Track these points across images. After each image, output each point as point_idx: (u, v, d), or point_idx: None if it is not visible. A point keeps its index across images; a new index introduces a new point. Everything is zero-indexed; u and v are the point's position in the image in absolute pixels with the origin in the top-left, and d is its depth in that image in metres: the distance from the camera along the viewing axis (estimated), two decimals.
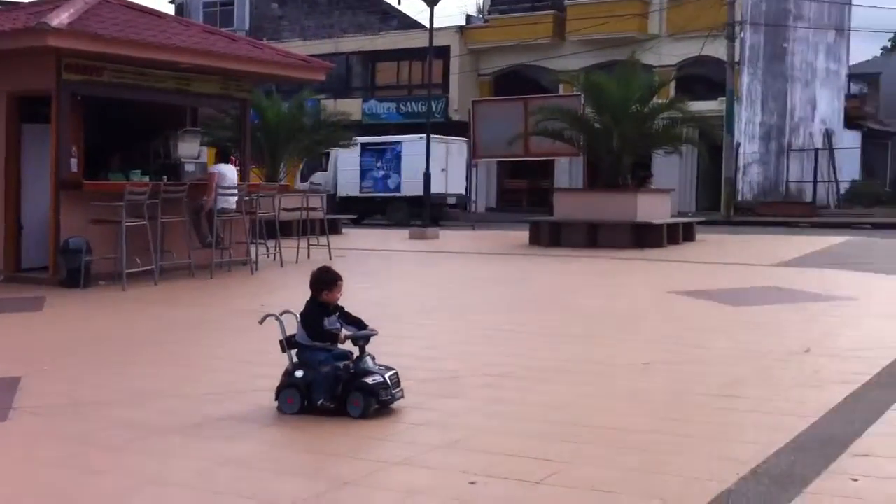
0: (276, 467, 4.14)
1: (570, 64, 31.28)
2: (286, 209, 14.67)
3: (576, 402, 5.36)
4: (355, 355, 5.08)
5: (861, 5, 43.58)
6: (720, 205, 30.61)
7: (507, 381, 5.91)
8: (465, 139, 31.87)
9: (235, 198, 12.45)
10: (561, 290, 11.10)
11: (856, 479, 3.92)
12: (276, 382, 5.13)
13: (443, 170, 27.62)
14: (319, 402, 4.95)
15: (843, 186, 36.95)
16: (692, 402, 5.33)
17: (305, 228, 14.60)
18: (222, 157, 12.91)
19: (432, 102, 29.38)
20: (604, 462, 4.21)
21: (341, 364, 5.01)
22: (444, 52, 34.91)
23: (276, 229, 13.47)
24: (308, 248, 14.42)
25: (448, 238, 19.84)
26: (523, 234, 18.65)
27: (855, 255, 15.55)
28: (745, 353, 6.76)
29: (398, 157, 28.49)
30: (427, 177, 23.09)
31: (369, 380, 4.92)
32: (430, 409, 5.18)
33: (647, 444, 4.48)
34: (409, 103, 36.35)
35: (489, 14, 37.11)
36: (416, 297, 10.44)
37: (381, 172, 28.98)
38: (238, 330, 8.04)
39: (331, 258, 14.07)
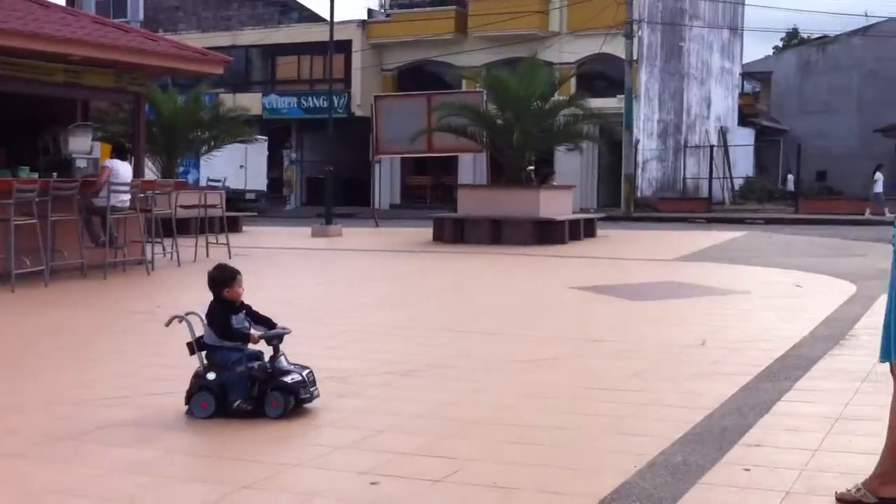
0: (173, 473, 4.02)
1: (472, 60, 31.44)
2: (183, 207, 14.34)
3: (477, 398, 5.36)
4: (267, 355, 4.98)
5: (754, 5, 45.03)
6: (620, 201, 31.19)
7: (408, 379, 5.88)
8: (265, 138, 31.86)
9: (128, 195, 12.09)
10: (463, 287, 11.14)
11: (748, 469, 4.01)
12: (176, 386, 4.98)
13: (241, 166, 28.25)
14: (236, 403, 4.82)
15: (738, 183, 38.07)
16: (592, 396, 5.39)
17: (204, 226, 14.28)
18: (118, 153, 12.53)
19: (334, 97, 29.15)
20: (504, 458, 4.21)
21: (256, 364, 4.91)
22: (345, 47, 34.65)
23: (173, 228, 13.15)
24: (207, 247, 14.14)
25: (351, 235, 19.72)
26: (427, 231, 18.67)
27: (749, 250, 16.04)
28: (643, 347, 6.88)
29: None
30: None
31: (288, 379, 4.83)
32: (331, 409, 5.11)
33: (546, 439, 4.51)
34: (310, 98, 35.98)
35: (391, 9, 37.01)
36: (317, 296, 10.33)
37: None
38: (134, 332, 7.82)
39: (230, 257, 13.83)
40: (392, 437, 4.56)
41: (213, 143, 21.06)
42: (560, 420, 4.84)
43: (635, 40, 31.18)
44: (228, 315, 4.97)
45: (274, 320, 5.12)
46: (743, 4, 41.92)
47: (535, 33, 32.54)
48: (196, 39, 31.25)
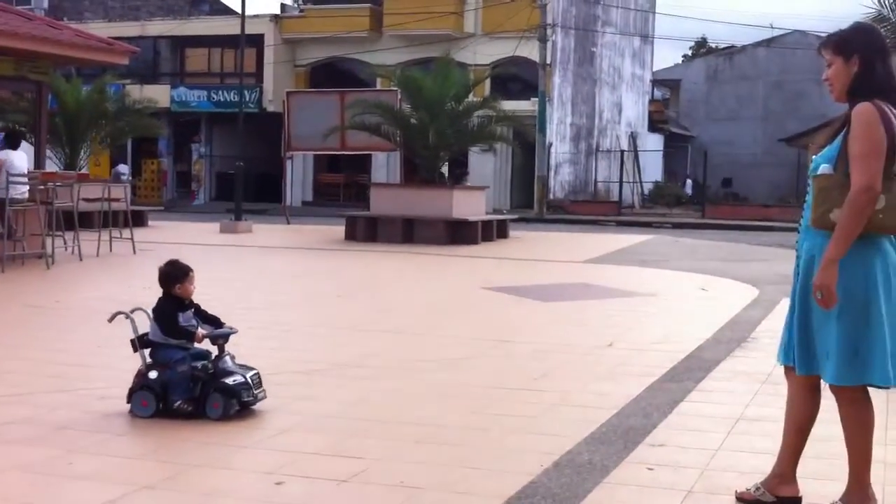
0: (69, 472, 3.89)
1: (387, 59, 31.36)
2: (86, 200, 13.92)
3: (385, 398, 5.32)
4: (214, 355, 4.86)
5: (665, 14, 46.01)
6: (533, 202, 31.51)
7: (316, 378, 5.81)
8: None
9: (26, 187, 11.67)
10: (373, 286, 11.08)
11: (651, 469, 4.06)
12: (75, 383, 4.82)
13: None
14: (176, 403, 4.68)
15: (647, 187, 38.84)
16: (501, 396, 5.40)
17: (108, 220, 13.89)
18: (11, 142, 12.08)
19: (245, 92, 28.72)
20: (411, 458, 4.19)
21: (199, 364, 4.77)
22: (257, 41, 34.19)
23: (75, 221, 12.75)
24: (110, 242, 13.76)
25: (261, 232, 19.45)
26: (339, 229, 18.54)
27: (656, 253, 16.35)
28: (552, 348, 6.93)
29: None
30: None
31: (230, 380, 4.69)
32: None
33: (455, 438, 4.50)
34: (221, 92, 35.38)
35: (305, 4, 36.66)
36: (224, 293, 10.14)
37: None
38: (34, 327, 7.55)
39: (135, 252, 13.53)
40: (298, 436, 4.49)
41: (119, 135, 20.54)
42: (468, 420, 4.84)
43: (549, 44, 31.54)
44: (176, 312, 4.86)
45: (222, 319, 5.01)
46: (653, 13, 42.81)
47: (449, 34, 32.64)
48: (103, 29, 30.47)
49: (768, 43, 44.88)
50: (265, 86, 35.14)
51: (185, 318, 4.88)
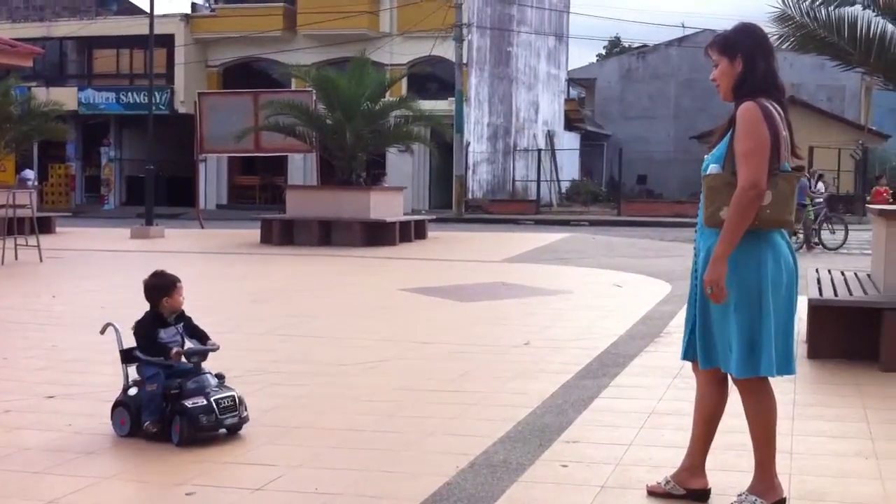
0: None
1: (301, 59, 31.06)
2: None
3: (300, 403, 5.25)
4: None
5: (579, 13, 46.59)
6: (452, 202, 31.58)
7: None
8: None
9: None
10: (289, 290, 10.95)
11: (566, 466, 4.09)
12: None
13: None
14: (145, 424, 4.43)
15: (564, 185, 39.27)
16: (418, 398, 5.38)
17: (12, 227, 13.45)
18: None
19: (156, 93, 28.15)
20: (328, 464, 4.14)
21: (176, 382, 4.46)
22: (168, 41, 33.56)
23: None
24: (15, 249, 13.33)
25: (174, 237, 19.09)
26: (255, 233, 18.31)
27: (573, 251, 16.54)
28: (470, 348, 6.94)
29: None
30: None
31: (189, 402, 4.35)
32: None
33: (371, 443, 4.46)
34: (130, 93, 34.61)
35: (216, 3, 36.11)
36: (135, 300, 9.90)
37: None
38: None
39: (42, 260, 13.14)
40: (211, 445, 4.40)
41: (24, 139, 19.94)
42: (385, 423, 4.81)
43: (465, 44, 31.65)
44: (155, 328, 4.63)
45: (208, 334, 4.75)
46: (568, 12, 43.29)
47: (364, 34, 32.50)
48: (6, 31, 29.59)
49: (679, 42, 45.81)
50: (176, 87, 34.49)
51: (169, 334, 4.63)
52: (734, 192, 3.33)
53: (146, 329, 4.63)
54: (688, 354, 3.64)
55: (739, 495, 3.51)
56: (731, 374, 3.50)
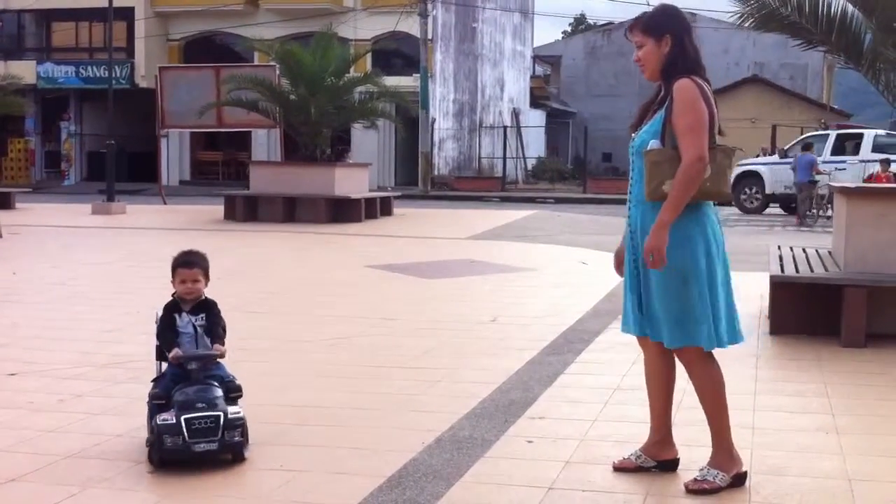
0: None
1: (264, 33, 30.64)
2: None
3: (264, 380, 5.22)
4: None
5: None
6: (418, 179, 31.49)
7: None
8: None
9: None
10: (253, 266, 10.88)
11: (531, 441, 4.11)
12: None
13: None
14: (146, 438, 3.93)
15: (530, 163, 39.31)
16: (382, 374, 5.37)
17: None
18: None
19: (116, 67, 27.72)
20: (291, 440, 4.12)
21: (171, 389, 3.89)
22: (127, 14, 33.01)
23: None
24: None
25: (136, 213, 18.88)
26: (218, 209, 18.15)
27: (539, 228, 16.57)
28: (436, 325, 6.94)
29: None
30: None
31: (160, 419, 3.74)
32: (110, 395, 4.86)
33: (336, 419, 4.45)
34: (90, 67, 34.03)
35: None
36: (95, 277, 9.81)
37: None
38: None
39: (1, 236, 12.94)
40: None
41: None
42: (350, 399, 4.79)
43: (430, 19, 31.46)
44: (170, 314, 4.03)
45: (222, 332, 4.06)
46: None
47: (328, 8, 32.18)
48: None
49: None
50: (137, 61, 33.98)
51: (184, 325, 4.01)
52: (676, 167, 3.40)
53: (163, 316, 4.07)
54: (627, 328, 3.71)
55: (701, 469, 3.55)
56: (666, 346, 3.55)
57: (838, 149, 23.04)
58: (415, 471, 3.72)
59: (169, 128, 23.26)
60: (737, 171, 23.80)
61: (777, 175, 22.64)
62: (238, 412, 3.82)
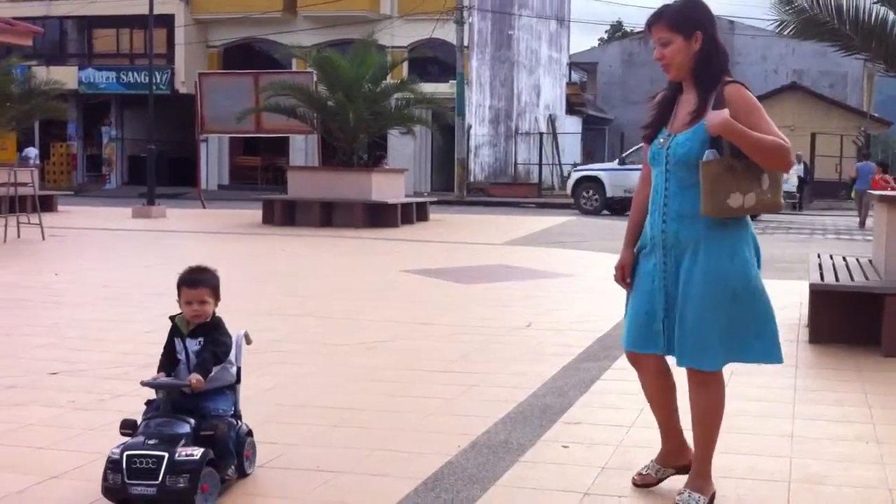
0: None
1: (302, 40, 30.96)
2: None
3: (302, 382, 5.26)
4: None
5: None
6: (454, 185, 31.53)
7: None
8: None
9: None
10: (291, 270, 10.96)
11: (567, 447, 4.10)
12: None
13: None
14: None
15: (566, 169, 39.22)
16: (418, 378, 5.39)
17: (14, 206, 13.45)
18: None
19: (156, 73, 28.07)
20: (328, 442, 4.15)
21: (143, 418, 3.52)
22: (168, 21, 33.44)
23: None
24: (18, 227, 13.33)
25: (176, 217, 19.09)
26: (256, 213, 18.30)
27: (574, 234, 16.54)
28: (471, 329, 6.95)
29: None
30: None
31: (112, 451, 3.32)
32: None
33: (372, 422, 4.47)
34: (131, 73, 34.52)
35: None
36: (136, 279, 9.92)
37: None
38: None
39: (44, 238, 13.15)
40: None
41: (25, 118, 19.91)
42: (386, 403, 4.81)
43: (466, 27, 31.54)
44: (171, 336, 3.67)
45: (209, 359, 3.57)
46: None
47: (365, 15, 32.39)
48: (7, 9, 29.50)
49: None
50: (177, 67, 34.40)
51: (179, 349, 3.64)
52: (739, 177, 3.15)
53: (167, 338, 3.71)
54: (640, 345, 3.46)
55: (681, 493, 3.37)
56: (698, 369, 3.30)
57: None
58: (450, 474, 3.73)
59: (208, 133, 23.54)
60: (576, 175, 25.93)
61: (616, 180, 24.13)
62: (192, 454, 3.25)
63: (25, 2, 36.21)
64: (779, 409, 4.75)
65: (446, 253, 12.89)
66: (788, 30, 8.57)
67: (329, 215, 17.22)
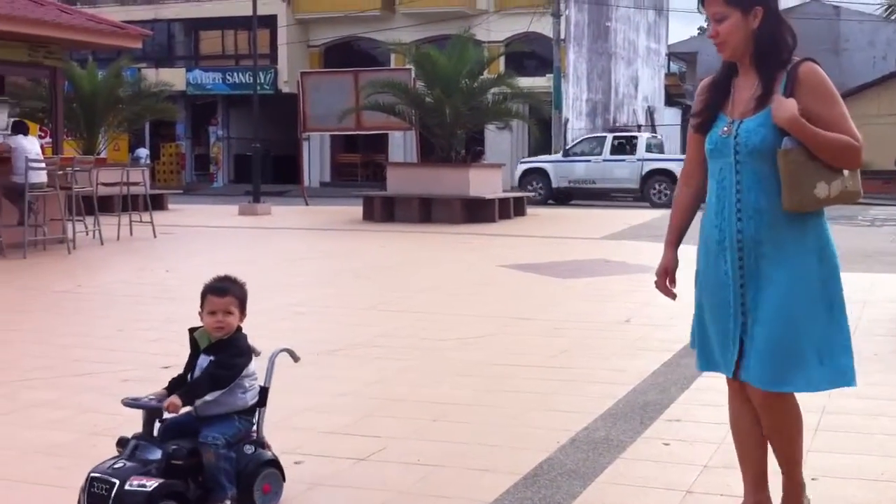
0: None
1: (401, 37, 31.16)
2: (105, 184, 14.01)
3: (402, 377, 5.35)
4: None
5: None
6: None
7: (333, 358, 5.84)
8: None
9: (44, 172, 11.71)
10: (392, 265, 11.10)
11: (668, 444, 4.08)
12: (96, 367, 4.85)
13: None
14: None
15: None
16: (518, 373, 5.42)
17: (127, 204, 13.98)
18: (18, 130, 12.12)
19: (260, 73, 28.73)
20: (430, 435, 4.21)
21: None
22: (270, 22, 34.13)
23: (94, 205, 12.83)
24: (130, 225, 13.85)
25: (280, 214, 19.51)
26: (357, 209, 18.57)
27: None
28: (570, 324, 6.94)
29: None
30: None
31: (92, 469, 3.15)
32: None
33: (471, 416, 4.52)
34: (236, 74, 35.38)
35: None
36: (244, 274, 10.17)
37: None
38: (57, 312, 7.63)
39: (155, 236, 13.62)
40: (316, 415, 4.53)
41: (136, 119, 20.63)
42: (485, 398, 4.86)
43: (562, 19, 31.31)
44: (192, 354, 3.44)
45: (205, 382, 3.32)
46: None
47: (462, 11, 32.45)
48: (117, 13, 30.46)
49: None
50: (280, 67, 35.10)
51: (200, 366, 3.38)
52: (819, 166, 2.78)
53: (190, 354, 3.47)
54: (724, 368, 3.11)
55: None
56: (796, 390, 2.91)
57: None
58: (550, 469, 3.75)
59: (310, 131, 23.96)
60: (522, 167, 26.64)
61: (560, 171, 25.64)
62: (144, 486, 3.00)
63: (135, 5, 37.49)
64: (875, 406, 4.62)
65: (544, 247, 12.87)
66: None
67: (428, 211, 17.35)
